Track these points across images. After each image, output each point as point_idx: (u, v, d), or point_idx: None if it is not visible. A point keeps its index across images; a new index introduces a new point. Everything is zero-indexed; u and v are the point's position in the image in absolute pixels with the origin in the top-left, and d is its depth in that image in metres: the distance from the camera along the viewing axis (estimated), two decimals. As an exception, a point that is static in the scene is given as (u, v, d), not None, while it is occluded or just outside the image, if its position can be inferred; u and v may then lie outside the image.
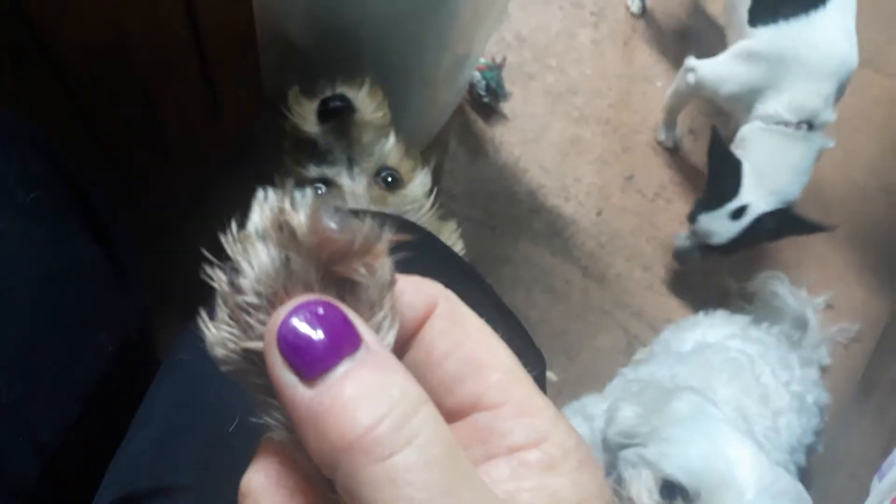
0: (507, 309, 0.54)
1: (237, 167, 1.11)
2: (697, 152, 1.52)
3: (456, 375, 0.22)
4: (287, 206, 0.21)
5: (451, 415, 0.22)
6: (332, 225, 0.20)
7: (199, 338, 0.47)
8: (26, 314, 0.44)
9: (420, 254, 0.52)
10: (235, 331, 0.21)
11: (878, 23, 1.74)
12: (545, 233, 1.39)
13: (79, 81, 0.80)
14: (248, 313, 0.21)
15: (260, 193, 0.22)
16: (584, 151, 1.48)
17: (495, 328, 0.53)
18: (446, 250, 0.57)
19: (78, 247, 0.50)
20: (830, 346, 1.39)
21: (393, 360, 0.20)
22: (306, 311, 0.20)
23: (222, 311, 0.22)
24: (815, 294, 1.42)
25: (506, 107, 1.47)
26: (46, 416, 0.45)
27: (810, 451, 1.14)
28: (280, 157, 0.88)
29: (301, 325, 0.19)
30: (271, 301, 0.21)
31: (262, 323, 0.21)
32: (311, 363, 0.19)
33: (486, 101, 1.44)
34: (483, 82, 1.42)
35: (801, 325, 1.35)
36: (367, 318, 0.22)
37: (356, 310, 0.21)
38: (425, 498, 0.18)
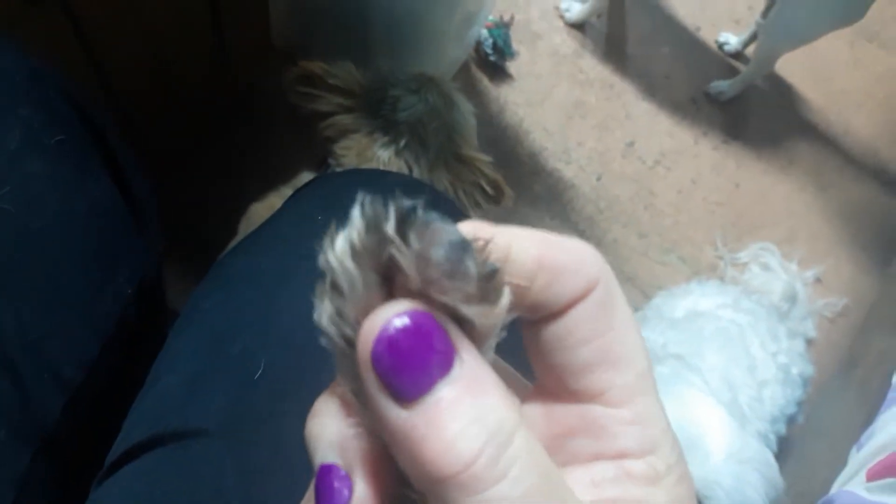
0: None
1: (244, 113, 1.10)
2: (700, 119, 1.53)
3: (588, 363, 0.22)
4: (392, 234, 0.18)
5: (569, 396, 0.22)
6: (442, 265, 0.18)
7: (220, 284, 0.48)
8: (52, 253, 0.45)
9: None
10: (336, 318, 0.20)
11: (886, -2, 1.74)
12: (545, 196, 1.40)
13: (90, 25, 0.79)
14: (343, 320, 0.20)
15: (358, 208, 0.19)
16: (587, 115, 1.48)
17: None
18: (451, 206, 0.58)
19: (99, 188, 0.50)
20: (817, 319, 1.42)
21: (488, 376, 0.19)
22: (398, 323, 0.18)
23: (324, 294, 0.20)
24: (806, 268, 1.44)
25: (512, 66, 1.46)
26: (69, 352, 0.46)
27: (791, 421, 1.17)
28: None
29: (395, 342, 0.18)
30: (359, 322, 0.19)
31: (353, 332, 0.19)
32: (407, 385, 0.18)
33: (493, 59, 1.43)
34: (490, 40, 1.41)
35: (790, 297, 1.38)
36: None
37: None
38: None
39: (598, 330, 0.22)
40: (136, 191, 0.56)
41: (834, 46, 1.69)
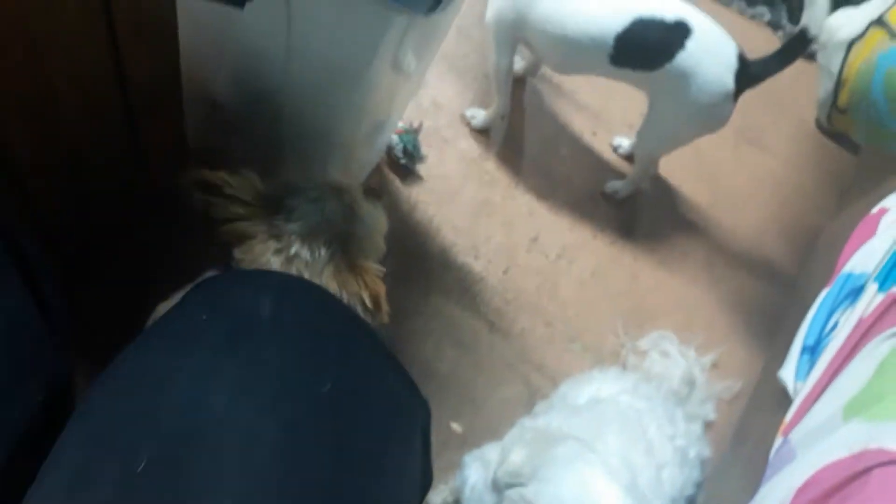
0: (396, 362, 0.60)
1: (158, 214, 1.14)
2: (598, 216, 1.64)
3: None
4: None
5: None
6: None
7: (109, 383, 0.50)
8: None
9: (310, 310, 0.56)
10: None
11: (765, 105, 1.93)
12: (455, 288, 1.46)
13: (3, 132, 0.82)
14: None
15: None
16: (493, 213, 1.57)
17: (384, 379, 0.58)
18: (336, 304, 0.62)
19: (15, 303, 0.52)
20: (716, 402, 1.49)
21: None
22: None
23: None
24: (703, 354, 1.52)
25: (422, 168, 1.55)
26: None
27: (691, 502, 1.22)
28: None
29: None
30: None
31: None
32: None
33: (403, 162, 1.52)
34: (401, 145, 1.50)
35: (690, 382, 1.45)
36: None
37: None
38: None
39: None
40: (50, 302, 0.58)
41: (720, 149, 1.86)
